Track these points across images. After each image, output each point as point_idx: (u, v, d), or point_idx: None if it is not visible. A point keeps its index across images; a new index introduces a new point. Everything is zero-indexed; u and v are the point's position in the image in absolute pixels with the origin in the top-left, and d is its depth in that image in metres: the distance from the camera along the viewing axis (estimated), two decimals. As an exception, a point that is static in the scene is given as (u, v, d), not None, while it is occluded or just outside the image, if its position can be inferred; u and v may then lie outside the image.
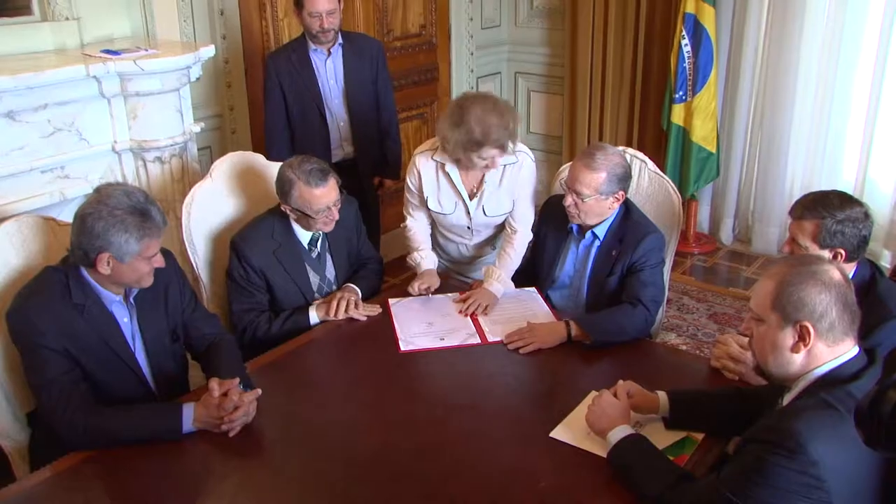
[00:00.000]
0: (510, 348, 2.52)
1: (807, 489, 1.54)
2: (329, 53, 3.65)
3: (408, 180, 3.03)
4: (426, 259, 3.00)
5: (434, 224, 3.13)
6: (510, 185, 2.94)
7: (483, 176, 2.91)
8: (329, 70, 3.67)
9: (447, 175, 2.92)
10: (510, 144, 2.78)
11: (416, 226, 3.08)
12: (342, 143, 3.78)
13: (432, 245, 3.13)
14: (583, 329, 2.52)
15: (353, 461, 2.02)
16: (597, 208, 2.66)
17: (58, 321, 2.09)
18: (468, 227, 3.05)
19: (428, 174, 2.96)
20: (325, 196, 2.62)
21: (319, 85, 3.66)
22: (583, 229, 2.76)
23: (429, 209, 3.02)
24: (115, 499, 1.96)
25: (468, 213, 2.98)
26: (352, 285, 2.82)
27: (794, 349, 1.66)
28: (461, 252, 3.19)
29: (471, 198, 2.95)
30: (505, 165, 2.89)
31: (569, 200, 2.66)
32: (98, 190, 2.15)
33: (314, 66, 3.64)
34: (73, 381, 2.10)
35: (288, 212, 2.69)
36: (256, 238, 2.72)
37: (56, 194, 3.10)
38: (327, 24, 3.50)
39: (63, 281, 2.14)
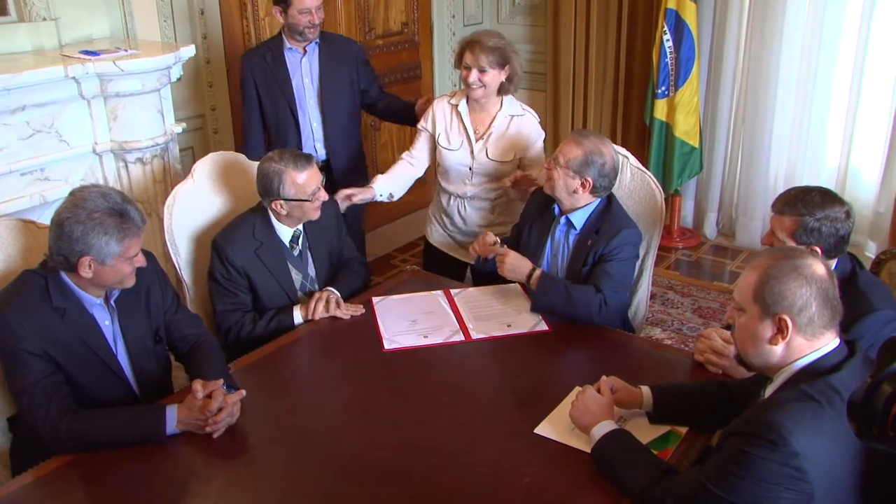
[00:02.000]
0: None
1: (789, 480, 1.55)
2: (304, 52, 3.63)
3: (419, 124, 3.36)
4: (379, 181, 3.27)
5: (440, 182, 3.37)
6: (515, 136, 3.21)
7: (492, 122, 3.20)
8: (304, 69, 3.65)
9: (459, 115, 3.23)
10: (496, 59, 3.05)
11: (402, 164, 3.36)
12: (315, 144, 3.75)
13: (435, 214, 3.46)
14: (540, 282, 2.65)
15: (337, 461, 2.02)
16: (562, 180, 2.70)
17: (37, 325, 2.08)
18: (469, 168, 3.24)
19: (442, 113, 3.29)
20: (314, 177, 2.68)
21: (293, 84, 3.64)
22: (561, 211, 2.80)
23: (437, 147, 3.29)
24: (97, 503, 1.94)
25: (472, 152, 3.21)
26: (331, 288, 2.81)
27: (773, 341, 1.67)
28: (461, 213, 3.35)
29: (477, 140, 3.21)
30: (512, 116, 3.21)
31: (549, 163, 2.74)
32: (73, 193, 2.12)
33: (288, 65, 3.62)
34: (54, 385, 2.08)
35: (278, 208, 2.68)
36: (238, 237, 2.71)
37: (36, 197, 3.08)
38: (318, 19, 3.49)
39: (42, 285, 2.12)
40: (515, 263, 2.72)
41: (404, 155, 3.39)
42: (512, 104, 3.22)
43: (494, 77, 3.08)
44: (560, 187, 2.72)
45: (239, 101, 4.10)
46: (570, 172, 2.67)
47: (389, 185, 3.28)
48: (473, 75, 3.06)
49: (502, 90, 3.16)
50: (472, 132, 3.20)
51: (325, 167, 3.72)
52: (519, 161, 3.23)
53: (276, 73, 3.60)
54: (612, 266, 2.66)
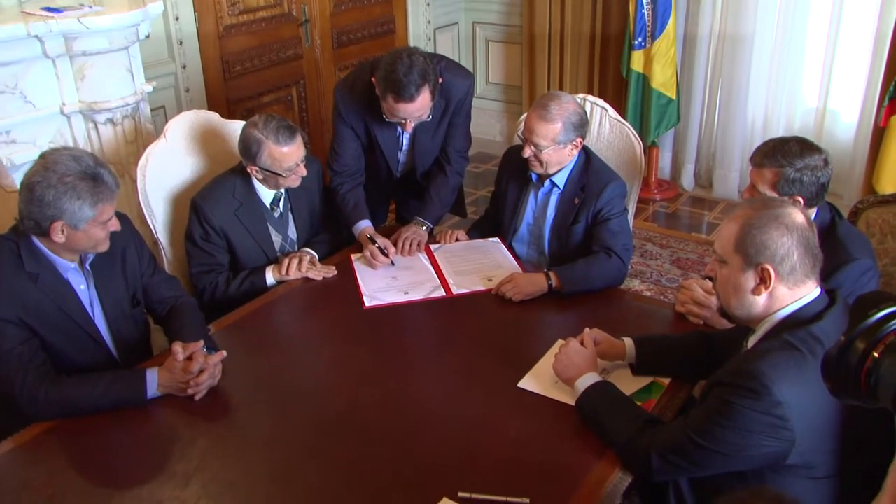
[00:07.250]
0: (500, 294, 2.52)
1: (772, 429, 1.56)
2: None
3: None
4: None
5: None
6: None
7: None
8: (404, 136, 3.05)
9: None
10: None
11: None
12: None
13: None
14: (560, 280, 2.52)
15: (321, 420, 2.01)
16: (556, 157, 2.65)
17: (10, 291, 2.03)
18: None
19: None
20: (293, 153, 2.60)
21: (399, 148, 3.09)
22: (542, 177, 2.75)
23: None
24: (79, 469, 1.93)
25: None
26: (308, 249, 2.79)
27: (756, 291, 1.68)
28: None
29: None
30: None
31: (528, 152, 2.65)
32: (44, 156, 2.06)
33: (397, 130, 3.01)
34: (30, 352, 2.05)
35: (254, 172, 2.64)
36: (217, 197, 2.67)
37: (2, 160, 3.00)
38: (410, 127, 2.84)
39: (14, 250, 2.07)
40: (526, 281, 2.53)
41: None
42: None
43: None
44: (556, 164, 2.67)
45: (210, 58, 4.03)
46: (559, 146, 2.61)
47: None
48: None
49: None
50: None
51: None
52: None
53: (378, 135, 2.99)
54: (613, 224, 2.65)
